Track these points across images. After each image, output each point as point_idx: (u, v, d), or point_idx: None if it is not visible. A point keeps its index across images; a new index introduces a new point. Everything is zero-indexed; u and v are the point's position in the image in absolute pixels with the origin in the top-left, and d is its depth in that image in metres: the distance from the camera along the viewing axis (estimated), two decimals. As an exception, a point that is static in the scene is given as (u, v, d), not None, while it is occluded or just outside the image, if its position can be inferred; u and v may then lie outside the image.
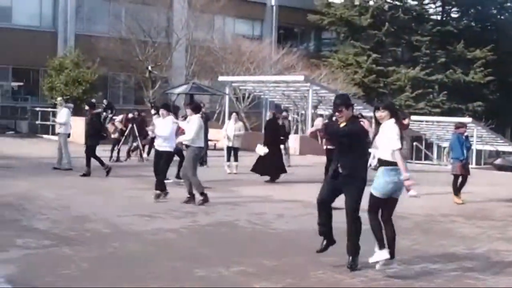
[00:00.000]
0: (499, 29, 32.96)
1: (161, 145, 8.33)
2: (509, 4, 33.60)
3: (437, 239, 6.20)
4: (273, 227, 6.75)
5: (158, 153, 8.41)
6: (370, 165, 6.95)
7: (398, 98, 28.00)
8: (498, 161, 23.61)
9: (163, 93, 22.46)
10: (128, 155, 14.33)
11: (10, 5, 23.66)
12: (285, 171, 11.39)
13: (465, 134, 9.83)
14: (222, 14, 27.08)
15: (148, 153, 13.66)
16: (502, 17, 33.97)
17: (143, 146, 14.16)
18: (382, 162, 4.67)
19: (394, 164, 4.53)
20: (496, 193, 10.39)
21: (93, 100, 15.33)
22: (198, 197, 7.85)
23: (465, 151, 9.54)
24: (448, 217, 7.75)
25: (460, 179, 9.14)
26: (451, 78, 29.89)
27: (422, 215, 7.61)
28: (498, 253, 5.63)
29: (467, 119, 20.76)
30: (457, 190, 9.09)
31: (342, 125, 4.90)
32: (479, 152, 23.84)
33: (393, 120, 4.70)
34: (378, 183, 4.58)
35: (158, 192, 8.12)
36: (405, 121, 7.10)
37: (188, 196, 7.91)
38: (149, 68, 22.43)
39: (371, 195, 4.60)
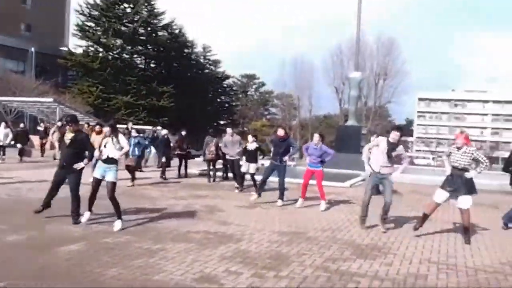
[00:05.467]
0: (177, 76, 54.10)
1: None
2: (183, 61, 56.05)
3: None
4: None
5: None
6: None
7: (117, 115, 45.83)
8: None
9: None
10: None
11: None
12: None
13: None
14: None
15: None
16: (179, 68, 55.86)
17: None
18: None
19: None
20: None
21: None
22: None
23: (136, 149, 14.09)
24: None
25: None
26: (149, 103, 49.39)
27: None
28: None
29: (159, 127, 30.46)
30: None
31: (70, 135, 7.68)
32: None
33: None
34: None
35: None
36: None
37: None
38: None
39: None
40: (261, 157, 13.63)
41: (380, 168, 8.28)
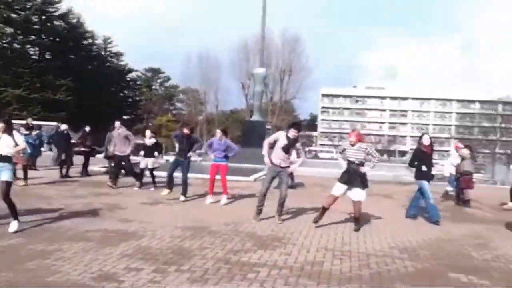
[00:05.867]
0: (76, 68, 51.63)
1: None
2: (82, 52, 53.68)
3: None
4: None
5: None
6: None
7: (9, 109, 42.83)
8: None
9: None
10: None
11: None
12: None
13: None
14: None
15: None
16: (78, 60, 53.37)
17: None
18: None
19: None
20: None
21: None
22: None
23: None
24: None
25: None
26: (44, 97, 46.60)
27: None
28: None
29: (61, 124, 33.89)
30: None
31: None
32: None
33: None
34: None
35: None
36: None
37: None
38: None
39: None
40: (156, 153, 13.32)
41: (279, 161, 8.60)
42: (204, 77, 68.78)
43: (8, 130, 7.24)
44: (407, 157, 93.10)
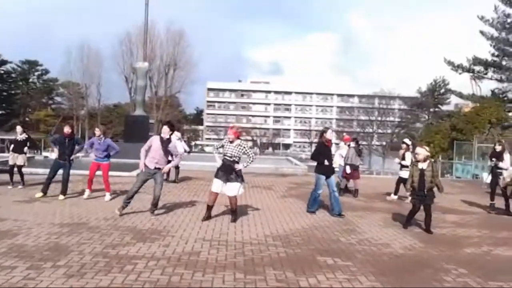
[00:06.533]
0: None
1: None
2: None
3: None
4: None
5: None
6: None
7: None
8: None
9: None
10: None
11: None
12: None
13: None
14: None
15: None
16: None
17: None
18: None
19: None
20: None
21: None
22: None
23: None
24: None
25: None
26: None
27: None
28: None
29: None
30: None
31: None
32: None
33: None
34: None
35: None
36: None
37: None
38: None
39: None
40: (26, 148, 12.63)
41: (154, 164, 8.77)
42: (85, 71, 65.74)
43: None
44: (291, 150, 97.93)
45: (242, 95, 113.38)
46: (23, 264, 5.53)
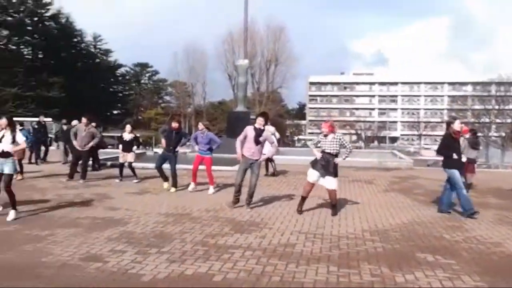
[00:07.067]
0: (67, 66, 52.05)
1: None
2: (73, 50, 54.24)
3: None
4: None
5: None
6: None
7: (5, 107, 43.04)
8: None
9: None
10: None
11: None
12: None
13: None
14: None
15: None
16: (69, 58, 53.97)
17: None
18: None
19: None
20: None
21: None
22: None
23: None
24: None
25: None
26: (39, 94, 47.29)
27: None
28: None
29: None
30: None
31: None
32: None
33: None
34: None
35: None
36: None
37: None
38: None
39: None
40: (135, 147, 13.55)
41: (251, 154, 9.02)
42: (191, 70, 69.08)
43: (10, 127, 7.79)
44: (398, 143, 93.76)
45: (345, 88, 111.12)
46: (132, 249, 6.05)
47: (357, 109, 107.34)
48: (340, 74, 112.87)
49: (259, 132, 9.04)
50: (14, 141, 7.77)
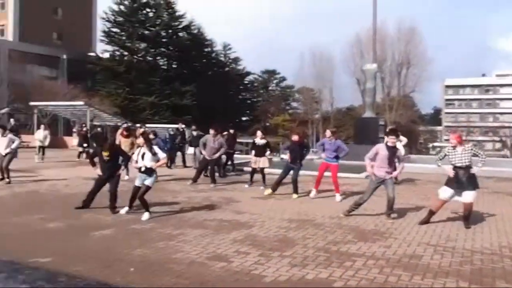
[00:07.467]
0: (198, 75, 55.23)
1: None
2: (204, 60, 57.30)
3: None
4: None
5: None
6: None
7: (143, 115, 47.17)
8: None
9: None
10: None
11: None
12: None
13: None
14: (31, 63, 43.84)
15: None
16: (200, 67, 57.00)
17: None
18: None
19: None
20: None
21: None
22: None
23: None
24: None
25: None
26: (173, 102, 50.81)
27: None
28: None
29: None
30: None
31: (106, 153, 8.87)
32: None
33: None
34: None
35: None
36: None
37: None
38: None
39: None
40: (267, 153, 13.58)
41: (383, 174, 8.70)
42: (318, 75, 68.91)
43: (148, 144, 8.55)
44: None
45: (487, 91, 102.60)
46: (255, 251, 6.28)
47: (501, 113, 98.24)
48: (481, 76, 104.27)
49: (393, 152, 8.75)
50: (155, 158, 8.47)
